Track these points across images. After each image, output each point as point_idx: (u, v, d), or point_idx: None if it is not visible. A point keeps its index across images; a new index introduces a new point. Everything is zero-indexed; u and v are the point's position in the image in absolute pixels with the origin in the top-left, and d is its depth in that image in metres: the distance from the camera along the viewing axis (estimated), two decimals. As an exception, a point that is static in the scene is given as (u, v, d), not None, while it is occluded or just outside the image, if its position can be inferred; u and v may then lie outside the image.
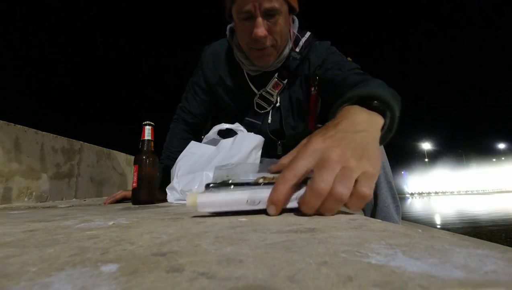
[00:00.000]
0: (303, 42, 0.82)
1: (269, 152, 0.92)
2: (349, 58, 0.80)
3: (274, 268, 0.17)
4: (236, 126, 0.87)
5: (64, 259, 0.21)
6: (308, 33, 0.85)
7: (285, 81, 0.84)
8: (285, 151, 0.91)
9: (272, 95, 0.84)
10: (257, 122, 0.87)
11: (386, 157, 0.81)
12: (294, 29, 0.83)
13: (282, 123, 0.87)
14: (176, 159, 0.86)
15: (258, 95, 0.85)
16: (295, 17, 0.84)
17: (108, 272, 0.17)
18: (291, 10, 0.76)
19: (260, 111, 0.87)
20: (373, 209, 0.81)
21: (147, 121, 0.90)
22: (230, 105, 0.92)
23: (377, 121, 0.36)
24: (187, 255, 0.21)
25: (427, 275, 0.15)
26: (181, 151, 0.86)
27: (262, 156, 0.85)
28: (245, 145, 0.75)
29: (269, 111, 0.87)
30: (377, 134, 0.34)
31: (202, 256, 0.20)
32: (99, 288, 0.15)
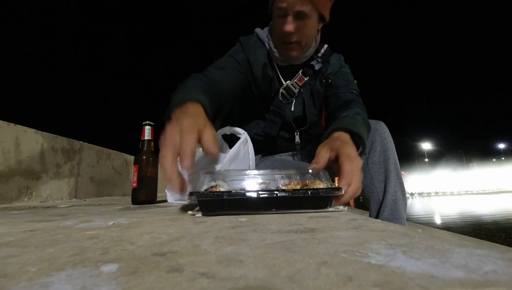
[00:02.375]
0: (324, 49, 0.99)
1: (288, 140, 1.02)
2: (355, 80, 0.99)
3: (274, 268, 0.17)
4: (238, 130, 0.90)
5: (64, 259, 0.21)
6: (326, 45, 1.01)
7: (307, 78, 0.97)
8: (302, 139, 0.99)
9: (295, 88, 0.96)
10: (282, 111, 0.98)
11: (396, 154, 0.88)
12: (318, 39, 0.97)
13: (305, 111, 0.98)
14: (201, 79, 0.75)
15: (284, 85, 0.96)
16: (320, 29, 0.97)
17: (108, 272, 0.17)
18: (321, 19, 0.89)
19: (284, 102, 0.97)
20: (381, 202, 0.83)
21: (147, 122, 0.90)
22: (258, 93, 0.97)
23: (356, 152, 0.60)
24: (187, 255, 0.21)
25: (427, 275, 0.15)
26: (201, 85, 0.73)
27: (281, 144, 1.01)
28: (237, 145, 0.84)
29: (291, 101, 0.98)
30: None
31: (202, 256, 0.20)
32: (99, 288, 0.15)
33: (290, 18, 0.82)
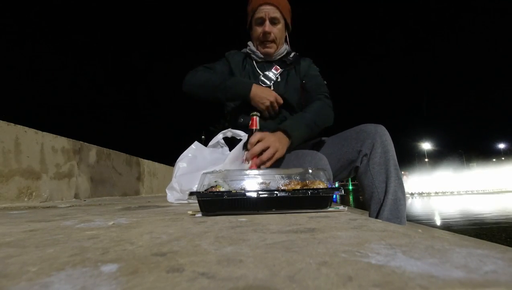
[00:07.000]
0: (292, 55, 1.26)
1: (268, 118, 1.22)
2: (325, 82, 1.25)
3: (274, 268, 0.17)
4: (238, 132, 0.93)
5: (64, 259, 0.21)
6: (294, 52, 1.28)
7: (282, 69, 1.22)
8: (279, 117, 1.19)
9: (273, 74, 1.21)
10: None
11: (395, 156, 0.92)
12: (287, 46, 1.28)
13: (280, 91, 1.19)
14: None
15: (262, 75, 1.22)
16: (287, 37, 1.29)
17: (108, 272, 0.17)
18: (287, 27, 1.22)
19: (263, 85, 1.19)
20: (382, 201, 0.88)
21: (255, 112, 0.99)
22: None
23: (286, 141, 0.92)
24: (187, 255, 0.21)
25: (427, 275, 0.15)
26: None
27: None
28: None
29: (270, 85, 1.20)
30: (286, 144, 0.92)
31: (202, 256, 0.20)
32: (99, 288, 0.15)
33: (267, 22, 1.15)
